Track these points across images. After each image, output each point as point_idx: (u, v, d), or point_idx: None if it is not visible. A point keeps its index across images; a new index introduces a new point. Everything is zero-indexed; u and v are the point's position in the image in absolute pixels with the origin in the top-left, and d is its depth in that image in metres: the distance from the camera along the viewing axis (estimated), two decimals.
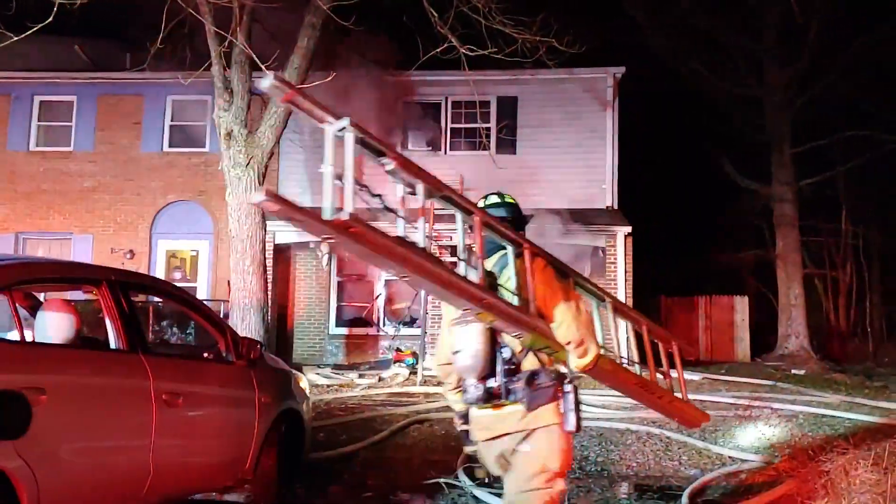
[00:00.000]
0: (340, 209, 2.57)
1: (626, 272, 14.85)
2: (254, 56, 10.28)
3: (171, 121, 16.94)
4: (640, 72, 16.99)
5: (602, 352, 3.37)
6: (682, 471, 7.05)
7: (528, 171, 15.73)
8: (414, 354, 14.04)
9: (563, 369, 3.34)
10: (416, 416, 9.41)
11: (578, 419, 3.27)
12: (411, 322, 16.00)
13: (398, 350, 14.70)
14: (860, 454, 5.97)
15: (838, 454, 6.31)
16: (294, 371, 6.52)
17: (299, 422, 6.09)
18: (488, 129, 15.83)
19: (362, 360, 15.70)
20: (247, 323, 11.52)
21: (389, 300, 16.66)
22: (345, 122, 2.68)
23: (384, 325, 16.38)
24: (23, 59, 14.72)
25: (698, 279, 21.40)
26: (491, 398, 3.29)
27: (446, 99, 16.46)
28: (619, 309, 4.10)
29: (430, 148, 16.36)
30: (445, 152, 16.40)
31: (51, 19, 7.51)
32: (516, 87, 16.17)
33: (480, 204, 3.49)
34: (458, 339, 3.30)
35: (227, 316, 12.03)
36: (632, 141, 17.28)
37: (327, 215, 2.53)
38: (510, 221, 3.47)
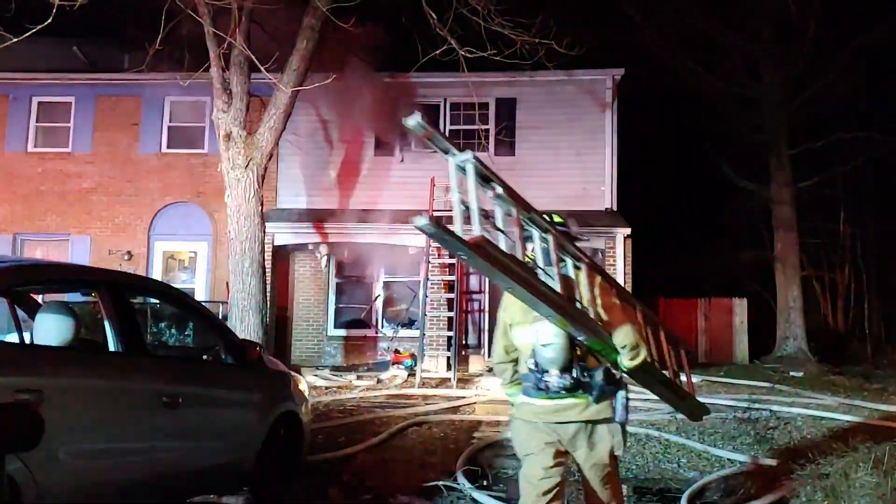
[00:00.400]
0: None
1: (625, 274, 14.85)
2: (253, 57, 10.27)
3: (170, 122, 16.92)
4: (639, 73, 16.99)
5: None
6: (681, 473, 7.04)
7: (526, 173, 15.68)
8: (412, 356, 14.05)
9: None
10: (415, 418, 9.42)
11: (627, 413, 3.86)
12: (410, 324, 16.00)
13: (397, 352, 14.71)
14: (860, 457, 5.97)
15: (838, 457, 6.31)
16: (293, 373, 6.52)
17: (298, 424, 6.08)
18: (487, 130, 15.82)
19: (361, 362, 15.70)
20: (245, 324, 11.51)
21: (388, 302, 16.67)
22: (468, 154, 3.38)
23: (383, 326, 16.38)
24: (21, 60, 14.68)
25: (697, 281, 21.41)
26: (570, 389, 3.77)
27: (445, 100, 16.46)
28: (646, 315, 4.64)
29: (429, 149, 16.33)
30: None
31: (49, 20, 7.49)
32: (515, 88, 16.17)
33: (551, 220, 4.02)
34: (544, 334, 3.75)
35: (225, 317, 12.02)
36: (631, 142, 17.28)
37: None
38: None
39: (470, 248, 3.16)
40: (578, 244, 4.05)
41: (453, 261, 14.63)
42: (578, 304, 3.82)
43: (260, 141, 11.84)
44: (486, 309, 16.32)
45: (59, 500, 3.80)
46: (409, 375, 13.21)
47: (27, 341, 4.34)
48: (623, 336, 3.82)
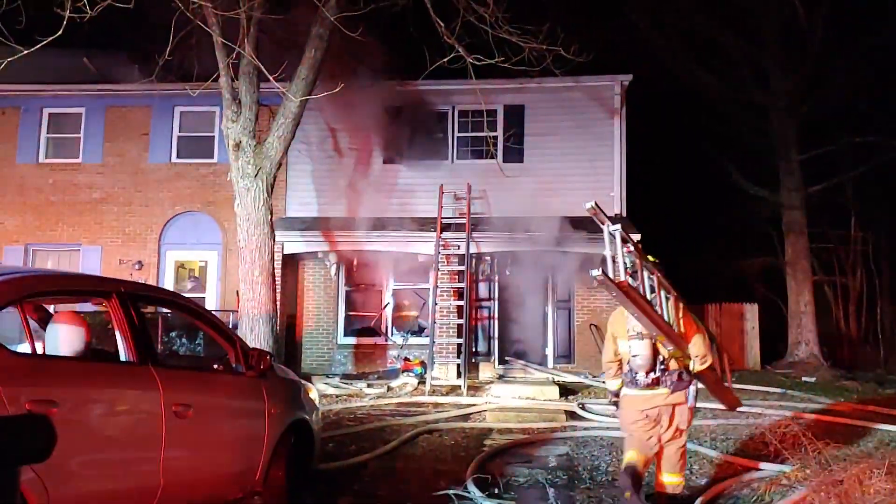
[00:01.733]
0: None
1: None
2: (262, 67, 10.30)
3: (179, 132, 16.99)
4: (647, 79, 16.96)
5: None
6: (694, 480, 7.00)
7: (535, 180, 15.73)
8: (422, 364, 14.04)
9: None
10: (426, 426, 9.41)
11: (696, 399, 5.68)
12: (420, 331, 15.98)
13: (406, 359, 14.70)
14: (874, 463, 5.92)
15: (851, 463, 6.26)
16: (303, 381, 6.52)
17: (309, 432, 6.09)
18: (495, 137, 15.82)
19: (371, 370, 15.69)
20: (256, 333, 11.53)
21: (398, 310, 16.66)
22: (617, 226, 5.18)
23: (392, 334, 16.37)
24: (32, 72, 14.78)
25: (707, 286, 21.27)
26: (653, 384, 5.51)
27: (453, 108, 16.47)
28: (707, 331, 6.36)
29: (438, 156, 16.38)
30: (452, 161, 16.41)
31: (60, 32, 7.54)
32: (523, 95, 16.18)
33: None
34: (635, 348, 5.52)
35: (236, 326, 12.04)
36: (639, 148, 17.24)
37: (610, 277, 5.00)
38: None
39: (619, 287, 4.95)
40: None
41: (462, 268, 14.63)
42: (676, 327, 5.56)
43: (269, 150, 11.88)
44: (496, 316, 16.31)
45: None
46: (419, 383, 13.21)
47: (39, 352, 4.36)
48: (696, 348, 5.61)
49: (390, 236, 15.15)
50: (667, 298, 5.62)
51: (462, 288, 14.50)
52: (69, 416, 3.83)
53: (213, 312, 11.95)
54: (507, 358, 15.86)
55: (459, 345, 14.09)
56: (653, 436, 5.64)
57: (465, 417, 10.39)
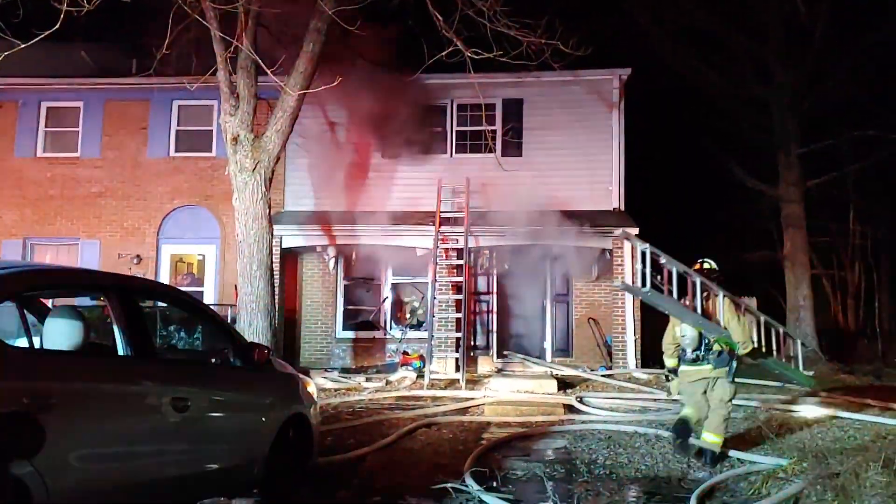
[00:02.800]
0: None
1: (633, 273, 14.79)
2: (259, 61, 10.30)
3: (178, 125, 16.97)
4: (646, 73, 16.94)
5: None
6: (691, 473, 7.02)
7: (534, 174, 15.73)
8: (421, 357, 14.05)
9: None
10: (424, 419, 9.43)
11: (735, 375, 7.20)
12: (418, 325, 16.00)
13: (405, 353, 14.71)
14: (870, 456, 5.94)
15: (848, 456, 6.28)
16: (301, 375, 6.52)
17: (307, 426, 6.09)
18: (494, 131, 15.81)
19: (370, 364, 15.71)
20: (254, 327, 11.54)
21: (396, 303, 16.68)
22: (647, 245, 7.10)
23: (391, 328, 16.39)
24: (30, 66, 14.74)
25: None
26: (698, 360, 7.30)
27: (452, 101, 16.45)
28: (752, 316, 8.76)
29: (436, 150, 16.37)
30: (451, 155, 16.40)
31: (57, 26, 7.52)
32: (522, 89, 16.14)
33: (701, 265, 7.73)
34: (684, 331, 7.35)
35: (234, 320, 12.05)
36: (638, 142, 17.23)
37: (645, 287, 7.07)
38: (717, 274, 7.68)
39: (643, 295, 7.36)
40: (716, 276, 7.59)
41: (461, 262, 14.63)
42: (714, 318, 7.37)
43: (267, 144, 11.86)
44: (495, 310, 16.33)
45: (70, 503, 3.81)
46: (417, 377, 13.22)
47: (37, 346, 4.36)
48: (737, 335, 7.21)
49: (389, 230, 15.15)
50: (714, 296, 7.45)
51: (461, 282, 14.51)
52: (67, 411, 3.83)
53: (212, 306, 11.98)
54: (505, 352, 15.88)
55: (458, 339, 14.10)
56: (702, 400, 7.33)
57: (464, 411, 10.41)
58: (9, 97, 17.00)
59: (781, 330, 9.50)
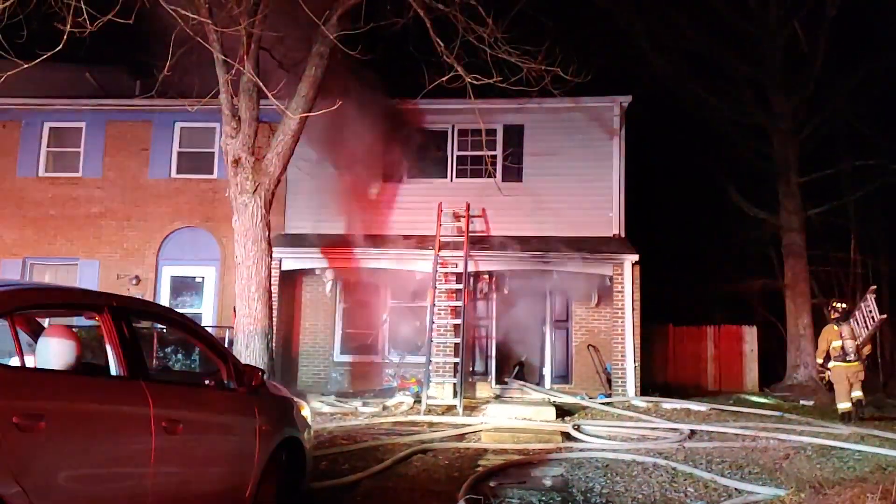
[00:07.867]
0: None
1: (633, 300, 14.78)
2: (261, 84, 10.34)
3: (179, 147, 17.03)
4: (647, 100, 17.03)
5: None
6: (688, 503, 6.95)
7: (534, 199, 15.75)
8: (418, 382, 13.97)
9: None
10: (420, 445, 9.34)
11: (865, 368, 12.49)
12: (416, 350, 15.93)
13: (403, 378, 14.64)
14: (868, 487, 5.88)
15: (846, 488, 6.21)
16: (296, 399, 6.47)
17: (300, 450, 6.04)
18: (494, 156, 15.85)
19: (367, 388, 15.61)
20: (251, 349, 11.49)
21: (395, 328, 16.60)
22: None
23: (389, 352, 16.31)
24: (33, 87, 14.85)
25: (706, 308, 21.27)
26: (853, 359, 12.05)
27: (452, 127, 16.51)
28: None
29: (437, 175, 16.41)
30: (452, 180, 16.43)
31: (60, 47, 7.56)
32: (522, 115, 16.23)
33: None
34: (847, 340, 12.07)
35: (232, 342, 11.99)
36: (638, 169, 17.28)
37: None
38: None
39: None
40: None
41: (460, 286, 14.60)
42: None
43: (268, 166, 11.90)
44: (493, 335, 16.26)
45: None
46: (414, 402, 13.12)
47: (28, 365, 4.33)
48: (867, 347, 12.66)
49: (388, 254, 15.14)
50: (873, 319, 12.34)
51: (460, 306, 14.47)
52: (57, 431, 3.79)
53: (209, 328, 11.94)
54: (505, 379, 15.79)
55: (456, 364, 14.03)
56: (852, 383, 11.88)
57: (461, 437, 10.32)
58: (12, 117, 17.07)
59: None
